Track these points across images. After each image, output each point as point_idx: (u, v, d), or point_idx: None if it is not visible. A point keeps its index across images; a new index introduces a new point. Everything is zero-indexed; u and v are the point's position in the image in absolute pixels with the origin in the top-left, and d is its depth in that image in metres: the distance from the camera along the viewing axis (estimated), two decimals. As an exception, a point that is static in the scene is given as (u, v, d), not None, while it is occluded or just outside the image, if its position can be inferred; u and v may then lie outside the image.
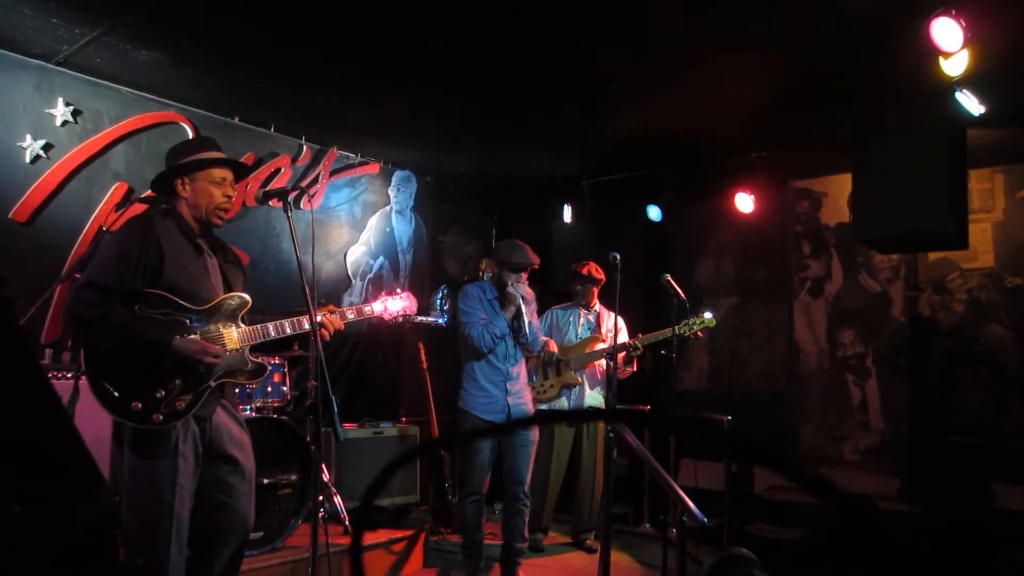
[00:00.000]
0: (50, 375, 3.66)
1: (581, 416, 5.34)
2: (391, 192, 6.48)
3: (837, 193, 6.17)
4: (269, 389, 4.34)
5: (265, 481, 3.90)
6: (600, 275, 5.21)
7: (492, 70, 4.48)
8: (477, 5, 3.70)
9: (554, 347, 5.04)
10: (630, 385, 5.28)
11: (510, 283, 4.13)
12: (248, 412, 4.12)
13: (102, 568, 1.14)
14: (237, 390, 3.63)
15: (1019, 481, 5.05)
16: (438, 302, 6.38)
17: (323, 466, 4.54)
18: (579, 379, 5.11)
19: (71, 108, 4.46)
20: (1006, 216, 5.46)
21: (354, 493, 4.72)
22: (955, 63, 3.83)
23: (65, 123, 4.44)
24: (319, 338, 2.89)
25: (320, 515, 3.38)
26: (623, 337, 5.00)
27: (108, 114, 4.65)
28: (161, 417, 2.60)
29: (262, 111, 5.27)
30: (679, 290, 4.56)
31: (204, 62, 4.46)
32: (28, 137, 4.29)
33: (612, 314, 4.49)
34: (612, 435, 3.68)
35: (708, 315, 4.86)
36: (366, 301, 3.90)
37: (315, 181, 5.76)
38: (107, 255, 2.72)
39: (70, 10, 3.79)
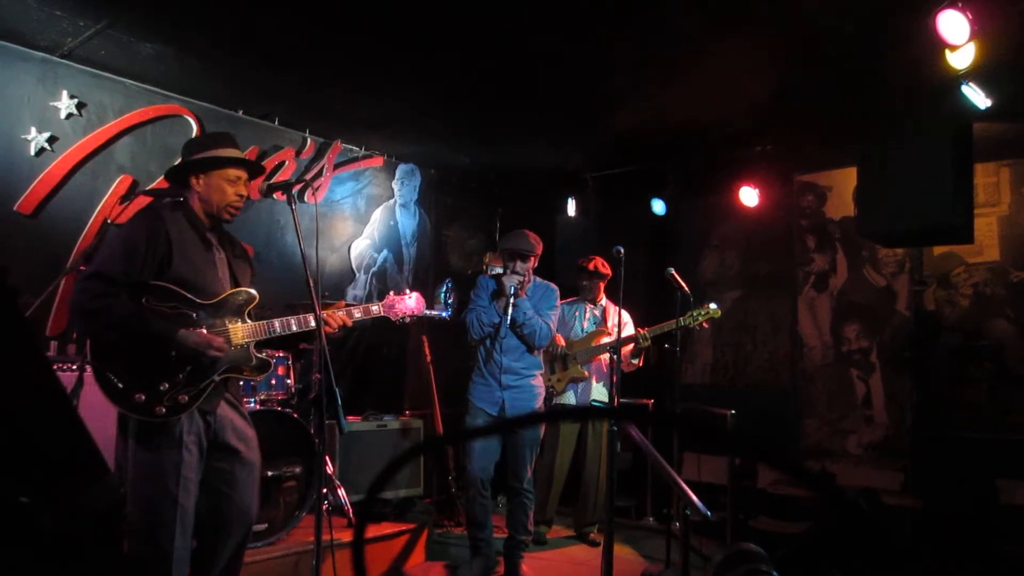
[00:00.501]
0: (55, 367, 3.67)
1: (584, 414, 5.33)
2: (395, 185, 6.48)
3: (842, 187, 6.15)
4: (273, 382, 4.35)
5: (269, 474, 3.92)
6: (606, 270, 5.21)
7: (496, 63, 4.47)
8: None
9: (561, 341, 5.05)
10: (634, 379, 5.28)
11: (507, 272, 4.16)
12: (252, 405, 4.14)
13: (107, 559, 1.14)
14: (241, 383, 3.65)
15: (1023, 476, 5.04)
16: (442, 296, 6.37)
17: (327, 459, 4.55)
18: (585, 373, 5.11)
19: (75, 101, 4.46)
20: (1012, 210, 5.43)
21: (358, 486, 4.73)
22: (961, 56, 3.81)
23: (69, 116, 4.45)
24: (323, 333, 2.90)
25: (324, 507, 3.38)
26: (628, 332, 5.00)
27: (112, 107, 4.65)
28: (163, 410, 2.61)
29: (266, 104, 5.27)
30: (683, 284, 4.56)
31: (208, 55, 4.46)
32: (33, 130, 4.30)
33: (617, 308, 4.48)
34: (615, 429, 3.69)
35: (713, 306, 4.85)
36: (372, 299, 3.90)
37: (319, 174, 5.76)
38: (114, 247, 2.72)
39: (74, 3, 3.80)
